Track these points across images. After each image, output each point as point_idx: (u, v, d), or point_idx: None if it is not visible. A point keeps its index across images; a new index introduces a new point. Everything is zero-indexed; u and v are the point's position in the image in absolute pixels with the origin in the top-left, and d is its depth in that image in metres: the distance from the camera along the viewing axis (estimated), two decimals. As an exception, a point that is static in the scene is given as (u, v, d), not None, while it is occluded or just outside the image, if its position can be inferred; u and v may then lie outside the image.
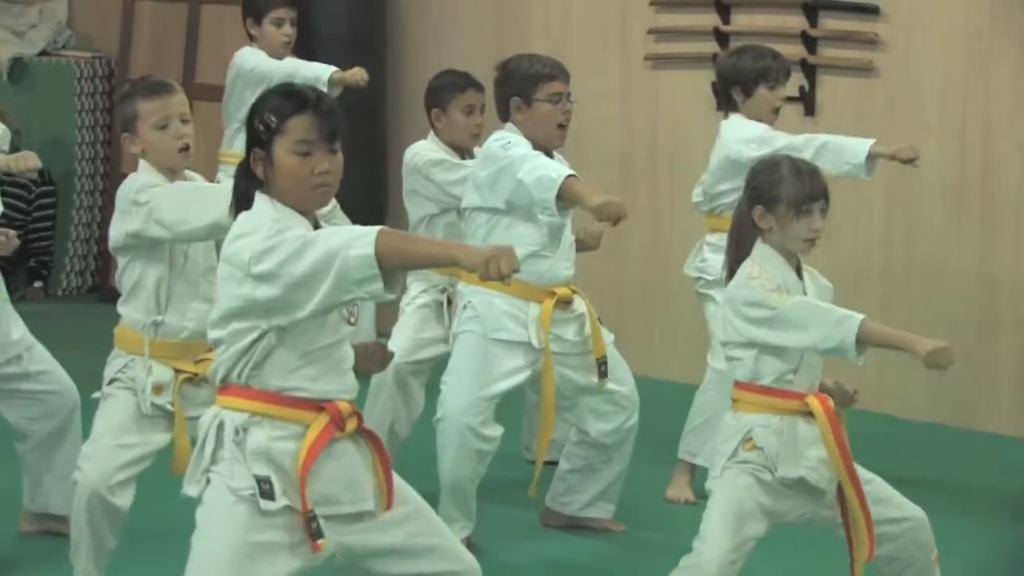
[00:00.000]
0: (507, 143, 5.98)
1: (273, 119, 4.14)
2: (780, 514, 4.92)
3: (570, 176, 5.77)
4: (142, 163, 5.42)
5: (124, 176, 5.68)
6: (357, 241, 3.94)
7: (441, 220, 6.72)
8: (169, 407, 5.27)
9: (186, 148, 5.40)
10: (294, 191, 4.15)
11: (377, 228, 4.01)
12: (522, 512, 6.52)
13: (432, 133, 6.81)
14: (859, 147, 6.48)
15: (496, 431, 6.13)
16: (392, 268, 3.95)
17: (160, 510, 5.26)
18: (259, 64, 7.85)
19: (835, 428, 4.86)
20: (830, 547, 5.02)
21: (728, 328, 4.95)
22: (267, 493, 4.09)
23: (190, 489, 4.23)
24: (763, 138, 6.41)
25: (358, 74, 7.76)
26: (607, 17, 8.69)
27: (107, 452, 5.30)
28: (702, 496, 5.11)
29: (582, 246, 6.35)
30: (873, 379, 7.25)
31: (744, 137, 6.41)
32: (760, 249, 4.94)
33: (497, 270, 3.85)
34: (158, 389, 5.27)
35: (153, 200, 5.21)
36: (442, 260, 4.13)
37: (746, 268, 4.92)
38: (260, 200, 4.17)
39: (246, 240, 4.07)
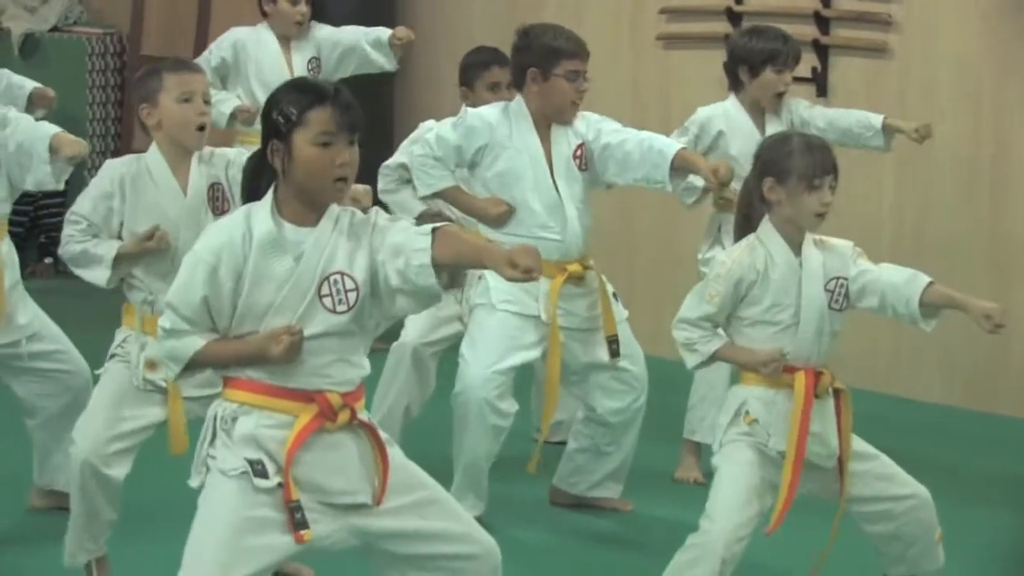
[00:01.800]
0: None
1: (293, 111, 4.16)
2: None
3: None
4: (153, 145, 5.47)
5: (138, 151, 5.72)
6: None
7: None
8: (163, 384, 5.28)
9: (202, 128, 5.43)
10: (312, 183, 4.18)
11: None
12: (530, 490, 6.54)
13: (463, 109, 6.81)
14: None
15: (512, 406, 6.16)
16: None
17: (166, 488, 5.25)
18: (254, 42, 8.09)
19: (807, 399, 4.85)
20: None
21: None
22: (260, 472, 4.14)
23: (193, 481, 4.29)
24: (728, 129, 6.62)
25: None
26: (613, 2, 8.75)
27: (100, 423, 5.35)
28: (710, 476, 5.09)
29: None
30: (885, 361, 7.22)
31: None
32: (764, 228, 4.98)
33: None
34: (151, 365, 5.27)
35: None
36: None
37: (731, 250, 5.08)
38: (249, 208, 4.25)
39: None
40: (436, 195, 6.30)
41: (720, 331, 5.02)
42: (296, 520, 4.14)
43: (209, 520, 4.17)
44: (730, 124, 6.61)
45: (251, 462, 4.14)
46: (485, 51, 7.02)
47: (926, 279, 4.90)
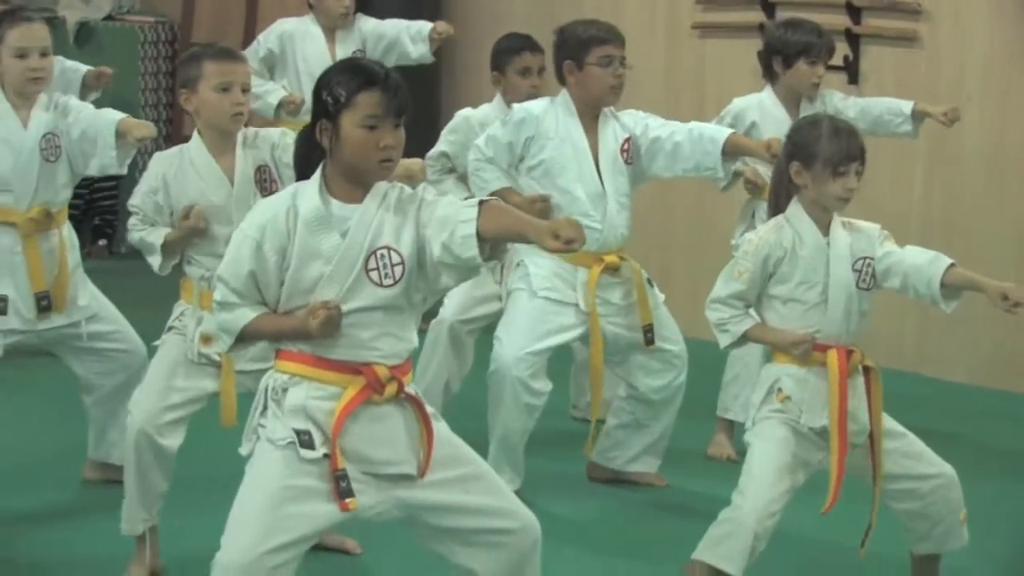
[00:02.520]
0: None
1: (342, 93, 4.20)
2: (814, 464, 4.98)
3: None
4: (195, 132, 5.55)
5: (186, 138, 5.75)
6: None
7: None
8: (216, 357, 5.33)
9: (239, 115, 5.47)
10: (358, 163, 4.22)
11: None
12: (568, 465, 6.59)
13: (497, 95, 6.91)
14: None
15: (546, 386, 6.20)
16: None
17: (215, 460, 5.36)
18: (295, 33, 8.14)
19: (842, 378, 4.88)
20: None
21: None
22: (307, 443, 4.19)
23: (243, 448, 4.35)
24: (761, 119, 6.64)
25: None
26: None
27: (155, 394, 5.41)
28: (742, 453, 5.12)
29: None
30: (912, 341, 7.28)
31: None
32: (792, 209, 5.02)
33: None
34: (206, 339, 5.33)
35: None
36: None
37: (760, 229, 5.09)
38: (296, 188, 4.31)
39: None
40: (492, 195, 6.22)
41: (751, 311, 5.04)
42: (341, 488, 4.18)
43: (254, 487, 4.24)
44: (763, 115, 6.64)
45: (298, 433, 4.19)
46: (516, 37, 7.07)
47: (947, 261, 4.93)
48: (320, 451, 4.19)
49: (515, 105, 6.36)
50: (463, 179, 6.77)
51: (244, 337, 4.32)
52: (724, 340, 5.10)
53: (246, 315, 4.26)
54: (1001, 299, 4.84)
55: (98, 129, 5.78)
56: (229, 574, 4.16)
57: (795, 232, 4.99)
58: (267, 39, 8.28)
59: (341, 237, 4.22)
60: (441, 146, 6.99)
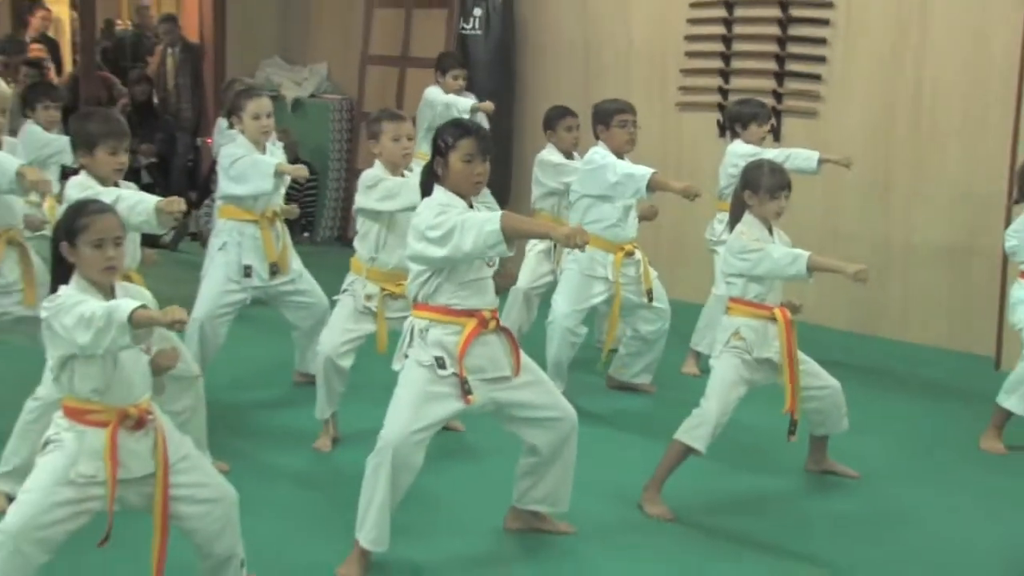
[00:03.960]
0: (603, 155, 6.06)
1: (450, 140, 4.24)
2: (755, 382, 4.97)
3: (654, 172, 5.89)
4: (376, 163, 5.49)
5: (359, 171, 5.84)
6: (489, 222, 4.03)
7: (550, 199, 6.83)
8: (374, 309, 5.38)
9: (407, 155, 5.47)
10: (461, 185, 4.26)
11: (500, 213, 4.13)
12: (594, 378, 6.62)
13: (550, 145, 6.88)
14: (812, 155, 6.52)
15: (583, 330, 6.28)
16: (511, 238, 4.04)
17: (367, 374, 5.31)
18: (436, 97, 7.94)
19: (788, 330, 4.90)
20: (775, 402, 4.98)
21: (727, 264, 5.00)
22: (442, 365, 4.22)
23: (395, 365, 4.35)
24: (754, 154, 6.37)
25: (488, 106, 7.83)
26: (649, 80, 8.64)
27: (336, 333, 5.48)
28: (706, 372, 5.09)
29: (643, 217, 6.40)
30: (810, 301, 7.30)
31: (742, 153, 6.41)
32: (747, 217, 5.00)
33: (576, 242, 3.98)
34: (368, 297, 5.38)
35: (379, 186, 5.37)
36: (540, 235, 4.31)
37: (738, 228, 4.99)
38: (437, 191, 4.27)
39: (423, 215, 4.21)
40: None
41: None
42: (465, 389, 4.22)
43: (405, 390, 4.26)
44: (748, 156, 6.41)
45: (436, 358, 4.23)
46: (561, 107, 6.94)
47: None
48: (450, 370, 4.23)
49: (594, 150, 6.17)
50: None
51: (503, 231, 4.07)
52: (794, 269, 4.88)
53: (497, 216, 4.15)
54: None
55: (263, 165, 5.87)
56: (390, 445, 4.19)
57: (760, 233, 4.98)
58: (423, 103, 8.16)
59: None
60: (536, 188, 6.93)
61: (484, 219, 4.07)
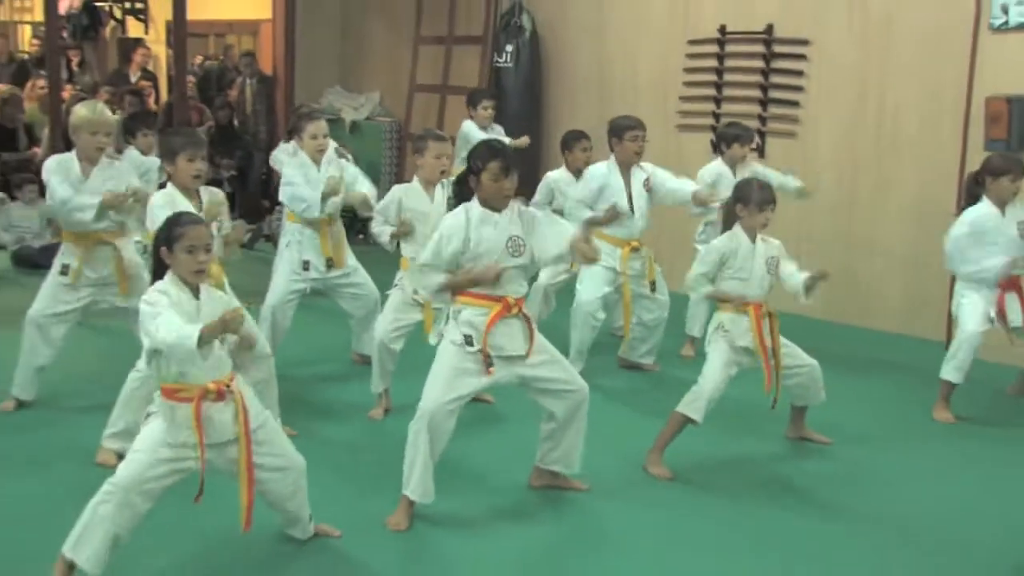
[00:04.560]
0: (603, 172, 6.13)
1: (481, 162, 4.26)
2: (742, 364, 4.95)
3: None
4: (415, 177, 5.55)
5: (406, 182, 5.76)
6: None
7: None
8: (421, 300, 5.34)
9: (444, 172, 5.49)
10: (492, 198, 4.27)
11: (566, 227, 4.32)
12: (607, 360, 6.55)
13: (564, 164, 6.86)
14: (790, 185, 6.51)
15: (603, 315, 6.26)
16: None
17: (413, 355, 5.20)
18: (470, 131, 7.78)
19: (758, 323, 4.86)
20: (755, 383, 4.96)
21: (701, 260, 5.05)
22: (469, 342, 4.23)
23: (432, 339, 4.41)
24: (717, 173, 6.53)
25: (523, 141, 7.77)
26: (656, 103, 8.57)
27: (388, 320, 5.48)
28: (701, 354, 5.09)
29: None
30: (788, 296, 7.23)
31: (709, 171, 6.54)
32: (736, 228, 4.98)
33: (587, 257, 4.23)
34: (415, 291, 5.33)
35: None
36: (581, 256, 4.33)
37: (721, 237, 5.02)
38: (467, 205, 4.31)
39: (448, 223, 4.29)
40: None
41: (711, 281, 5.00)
42: (488, 364, 4.23)
43: (439, 366, 4.27)
44: (723, 174, 6.51)
45: (465, 336, 4.24)
46: (577, 131, 6.93)
47: (804, 275, 4.92)
48: (476, 347, 4.24)
49: (590, 167, 6.30)
50: (546, 207, 6.71)
51: (441, 290, 4.31)
52: (699, 293, 5.10)
53: (440, 277, 4.28)
54: (818, 277, 4.91)
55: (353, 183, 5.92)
56: (426, 413, 4.21)
57: (738, 241, 4.97)
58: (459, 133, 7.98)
59: (494, 229, 4.26)
60: (537, 196, 6.88)
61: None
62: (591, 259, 4.31)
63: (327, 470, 4.62)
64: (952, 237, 5.74)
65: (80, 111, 5.32)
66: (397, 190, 5.67)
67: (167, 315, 3.49)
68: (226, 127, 11.01)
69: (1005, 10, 6.56)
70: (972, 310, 5.70)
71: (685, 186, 6.18)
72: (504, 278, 4.27)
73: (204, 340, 3.42)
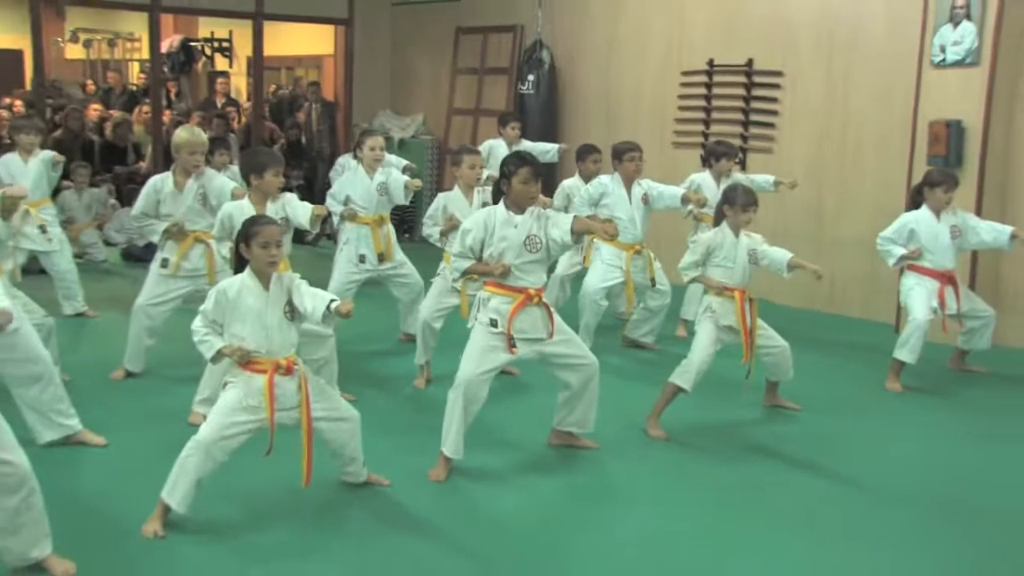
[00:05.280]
0: (605, 184, 6.09)
1: (512, 168, 4.22)
2: (725, 341, 4.89)
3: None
4: (456, 185, 5.53)
5: (445, 190, 5.77)
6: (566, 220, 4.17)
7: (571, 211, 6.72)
8: (457, 287, 5.30)
9: (479, 179, 5.47)
10: (521, 200, 4.23)
11: (573, 216, 4.23)
12: (612, 339, 6.50)
13: (578, 173, 6.80)
14: (767, 182, 6.48)
15: (605, 302, 6.19)
16: (576, 232, 4.15)
17: (451, 334, 5.17)
18: (497, 147, 7.69)
19: (742, 305, 4.81)
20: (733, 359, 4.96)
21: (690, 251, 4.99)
22: (495, 325, 4.20)
23: (469, 324, 4.32)
24: (702, 184, 6.50)
25: (561, 146, 7.76)
26: (655, 124, 8.51)
27: (432, 303, 5.46)
28: (691, 335, 5.02)
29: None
30: (765, 285, 7.21)
31: (695, 182, 6.52)
32: (723, 225, 4.94)
33: (609, 233, 4.14)
34: (455, 280, 5.23)
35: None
36: (588, 231, 4.27)
37: (709, 231, 4.97)
38: (491, 208, 4.28)
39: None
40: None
41: (700, 269, 4.95)
42: (511, 343, 4.19)
43: (473, 344, 4.24)
44: (704, 184, 6.49)
45: (492, 320, 4.20)
46: (589, 145, 6.87)
47: (789, 254, 4.86)
48: (501, 329, 4.20)
49: (600, 177, 6.24)
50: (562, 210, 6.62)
51: (466, 273, 4.30)
52: (688, 276, 5.00)
53: (467, 263, 4.27)
54: (813, 273, 4.80)
55: (396, 188, 5.82)
56: (462, 382, 4.18)
57: (724, 236, 4.91)
58: (485, 149, 7.75)
59: (515, 228, 4.22)
60: (555, 201, 6.75)
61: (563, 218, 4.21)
62: (607, 231, 4.17)
63: (378, 430, 4.59)
64: (884, 237, 5.80)
65: (181, 134, 5.35)
66: (441, 198, 5.66)
67: (211, 339, 3.68)
68: (295, 144, 11.03)
69: (943, 50, 6.57)
70: (919, 301, 5.67)
71: (675, 191, 6.12)
72: (523, 271, 4.22)
73: (217, 358, 3.66)
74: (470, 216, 4.45)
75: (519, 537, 3.74)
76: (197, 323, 3.70)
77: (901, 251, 5.72)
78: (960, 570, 3.61)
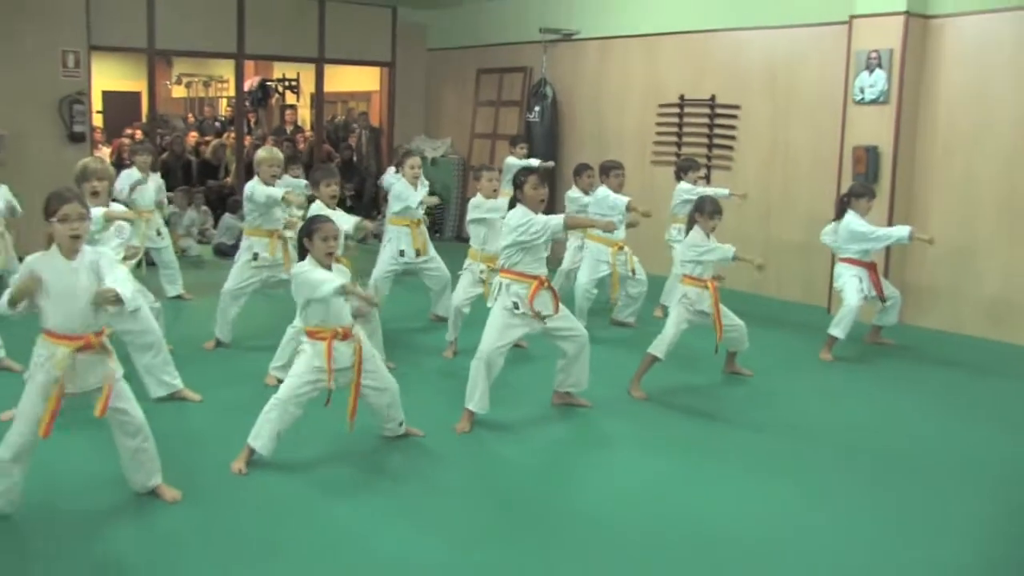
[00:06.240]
0: (605, 192, 5.95)
1: (522, 179, 4.15)
2: (694, 322, 4.83)
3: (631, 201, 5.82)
4: (478, 194, 5.41)
5: (467, 199, 5.72)
6: (556, 219, 4.04)
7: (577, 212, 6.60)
8: (483, 278, 5.20)
9: (496, 191, 5.35)
10: (532, 204, 4.15)
11: (564, 215, 4.14)
12: (602, 319, 6.40)
13: (575, 185, 6.65)
14: (721, 194, 6.31)
15: (595, 290, 6.10)
16: (569, 227, 4.08)
17: (477, 315, 5.20)
18: (514, 163, 7.52)
19: (715, 294, 4.76)
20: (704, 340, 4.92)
21: (683, 255, 4.86)
22: (516, 307, 4.13)
23: (489, 303, 4.22)
24: (689, 190, 6.35)
25: (550, 164, 7.66)
26: (637, 147, 8.40)
27: (461, 292, 5.36)
28: (666, 315, 4.99)
29: (631, 224, 6.08)
30: (727, 273, 7.14)
31: (685, 189, 6.36)
32: (695, 228, 4.86)
33: (610, 228, 4.18)
34: (481, 272, 5.22)
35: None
36: (586, 225, 4.24)
37: (691, 235, 4.87)
38: (519, 207, 4.17)
39: (512, 222, 4.15)
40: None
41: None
42: (539, 317, 4.14)
43: (493, 321, 4.16)
44: (687, 189, 6.39)
45: (513, 303, 4.14)
46: (583, 164, 6.63)
47: (732, 250, 4.74)
48: (521, 310, 4.13)
49: (598, 189, 6.05)
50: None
51: (573, 226, 4.29)
52: (687, 270, 4.80)
53: (562, 222, 4.11)
54: (756, 267, 4.72)
55: (404, 193, 5.73)
56: (484, 354, 4.14)
57: (701, 237, 4.81)
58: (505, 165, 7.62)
59: None
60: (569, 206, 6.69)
61: (557, 221, 4.08)
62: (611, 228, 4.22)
63: (413, 392, 4.51)
64: (826, 233, 5.78)
65: (262, 153, 5.40)
66: (471, 202, 5.51)
67: (318, 271, 3.56)
68: (348, 162, 11.01)
69: (862, 91, 6.63)
70: (851, 288, 5.63)
71: (624, 201, 5.91)
72: (539, 261, 4.18)
73: (340, 291, 3.48)
74: (519, 212, 4.20)
75: (530, 475, 3.76)
76: (317, 278, 3.55)
77: (906, 229, 5.41)
78: (851, 490, 3.69)
